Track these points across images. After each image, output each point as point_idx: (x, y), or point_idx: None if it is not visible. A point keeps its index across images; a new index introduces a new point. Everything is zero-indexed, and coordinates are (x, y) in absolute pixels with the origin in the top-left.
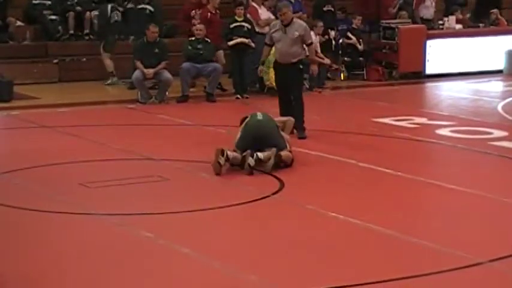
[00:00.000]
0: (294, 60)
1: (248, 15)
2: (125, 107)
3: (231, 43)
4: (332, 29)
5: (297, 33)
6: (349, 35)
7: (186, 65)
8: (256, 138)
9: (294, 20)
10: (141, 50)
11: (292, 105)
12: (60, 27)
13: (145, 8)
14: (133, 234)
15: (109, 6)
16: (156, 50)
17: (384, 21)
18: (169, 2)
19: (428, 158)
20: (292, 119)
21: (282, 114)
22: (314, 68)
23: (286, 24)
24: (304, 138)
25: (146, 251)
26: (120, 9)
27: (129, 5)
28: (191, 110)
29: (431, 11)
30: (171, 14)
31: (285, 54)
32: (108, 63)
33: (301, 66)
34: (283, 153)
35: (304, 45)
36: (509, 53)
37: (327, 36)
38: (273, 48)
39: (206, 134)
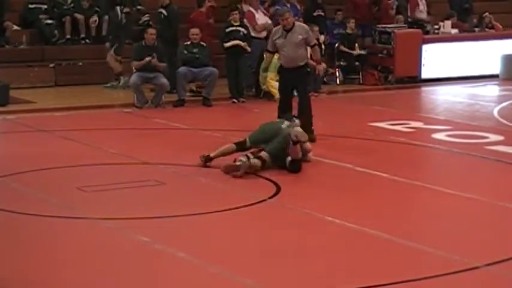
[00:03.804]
0: (302, 63)
1: (245, 20)
2: (121, 111)
3: (227, 44)
4: (322, 33)
5: (300, 37)
6: (342, 48)
7: (182, 69)
8: (266, 140)
9: (296, 23)
10: (139, 53)
11: (290, 110)
12: (56, 32)
13: (161, 12)
14: (130, 238)
15: (118, 9)
16: (154, 54)
17: (379, 26)
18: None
19: (424, 162)
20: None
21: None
22: (320, 68)
23: (288, 30)
24: (313, 140)
25: (143, 255)
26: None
27: (125, 10)
28: (187, 114)
29: (424, 15)
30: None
31: (292, 59)
32: (117, 66)
33: (308, 69)
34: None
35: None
36: (505, 58)
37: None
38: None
39: (202, 138)
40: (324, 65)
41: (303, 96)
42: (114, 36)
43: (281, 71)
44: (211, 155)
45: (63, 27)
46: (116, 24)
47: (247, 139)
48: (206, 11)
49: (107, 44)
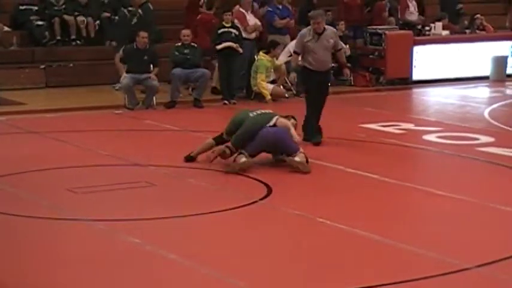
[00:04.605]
0: (330, 65)
1: (236, 21)
2: (111, 112)
3: (219, 47)
4: None
5: (331, 41)
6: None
7: (177, 70)
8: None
9: (326, 27)
10: (130, 56)
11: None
12: (46, 33)
13: (138, 12)
14: (121, 240)
15: (125, 9)
16: (146, 57)
17: (370, 27)
18: (157, 8)
19: (415, 163)
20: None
21: (310, 123)
22: (347, 71)
23: (320, 33)
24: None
25: (133, 256)
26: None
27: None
28: (178, 116)
29: (415, 17)
30: (158, 19)
31: (324, 61)
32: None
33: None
34: (299, 158)
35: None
36: (495, 59)
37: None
38: (262, 55)
39: (193, 139)
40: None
41: (323, 98)
42: (122, 37)
43: (309, 73)
44: (193, 154)
45: (53, 29)
46: (124, 24)
47: (224, 132)
48: (214, 14)
49: (113, 44)
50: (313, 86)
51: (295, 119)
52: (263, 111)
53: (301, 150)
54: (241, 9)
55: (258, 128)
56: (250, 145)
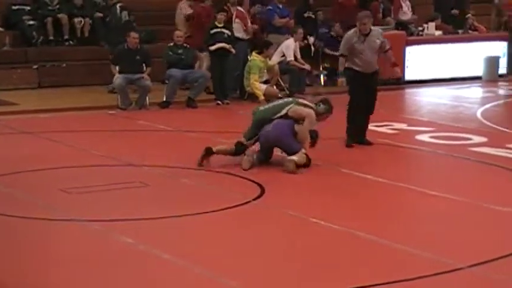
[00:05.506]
0: (377, 67)
1: (237, 20)
2: (105, 112)
3: (212, 48)
4: (311, 35)
5: (378, 41)
6: (327, 50)
7: (174, 71)
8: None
9: (372, 28)
10: (121, 57)
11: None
12: (36, 33)
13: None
14: (114, 240)
15: (118, 6)
16: (138, 57)
17: None
18: (149, 8)
19: (408, 163)
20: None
21: (353, 128)
22: (398, 70)
23: (366, 34)
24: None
25: (127, 256)
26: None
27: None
28: (172, 116)
29: (408, 16)
30: (150, 19)
31: (371, 63)
32: None
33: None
34: (296, 157)
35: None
36: (488, 60)
37: (306, 41)
38: (255, 56)
39: (187, 139)
40: (308, 66)
41: (374, 98)
42: (116, 37)
43: (355, 75)
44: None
45: (46, 29)
46: (116, 24)
47: None
48: (210, 7)
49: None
50: (358, 87)
51: (327, 103)
52: (280, 101)
53: (304, 150)
54: (240, 8)
55: (264, 120)
56: (260, 142)
